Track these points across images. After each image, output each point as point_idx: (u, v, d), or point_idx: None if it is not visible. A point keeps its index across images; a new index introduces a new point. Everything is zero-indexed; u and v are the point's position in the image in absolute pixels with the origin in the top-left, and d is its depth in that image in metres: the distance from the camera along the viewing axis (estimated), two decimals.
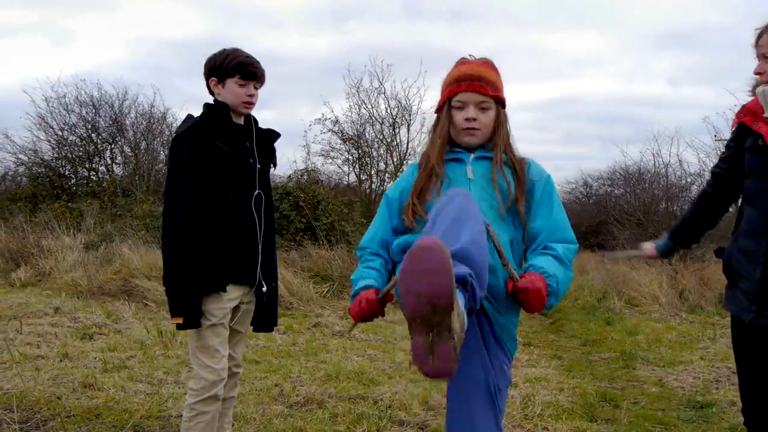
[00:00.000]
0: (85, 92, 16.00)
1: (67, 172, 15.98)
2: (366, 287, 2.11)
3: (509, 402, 4.33)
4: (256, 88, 2.98)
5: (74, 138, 16.00)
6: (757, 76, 2.48)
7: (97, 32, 26.65)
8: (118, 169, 16.21)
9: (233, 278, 2.92)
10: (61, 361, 5.23)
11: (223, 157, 2.88)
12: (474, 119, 2.16)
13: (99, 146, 16.02)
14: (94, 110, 15.96)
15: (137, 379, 4.76)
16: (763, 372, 2.49)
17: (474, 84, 2.14)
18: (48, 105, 15.77)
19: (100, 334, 6.34)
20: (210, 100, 2.99)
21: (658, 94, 25.10)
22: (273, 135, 3.18)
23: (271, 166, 3.20)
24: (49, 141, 15.92)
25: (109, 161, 16.27)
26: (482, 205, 2.07)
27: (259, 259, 3.02)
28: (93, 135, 15.95)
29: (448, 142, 2.23)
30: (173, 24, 27.16)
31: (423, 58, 24.38)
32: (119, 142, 16.14)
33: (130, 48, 26.52)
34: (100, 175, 15.98)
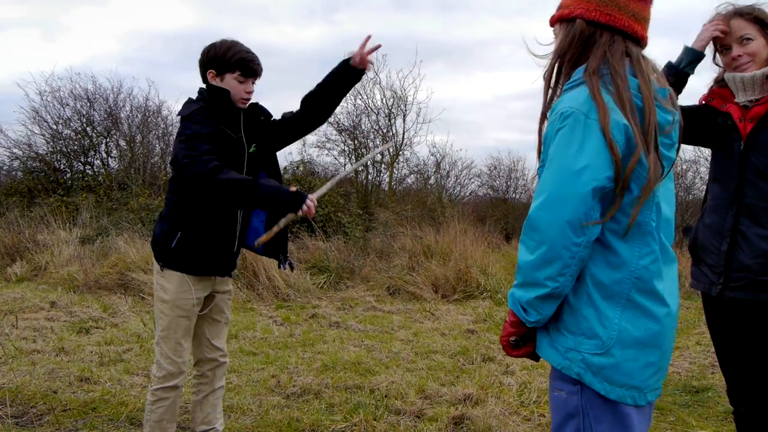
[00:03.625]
0: (80, 86, 15.87)
1: (62, 166, 15.88)
2: None
3: (505, 389, 4.33)
4: (253, 84, 2.97)
5: (69, 132, 15.90)
6: (730, 61, 2.54)
7: (87, 26, 26.40)
8: (113, 163, 16.11)
9: (206, 270, 2.97)
10: (57, 355, 5.22)
11: (228, 144, 2.89)
12: None
13: (94, 140, 15.93)
14: (88, 104, 15.86)
15: (133, 372, 4.75)
16: (737, 345, 2.53)
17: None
18: (42, 99, 15.65)
19: (97, 327, 6.33)
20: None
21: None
22: (256, 111, 3.11)
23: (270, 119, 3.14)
24: (43, 135, 15.82)
25: (104, 155, 16.18)
26: None
27: (235, 248, 3.05)
28: (88, 128, 15.86)
29: None
30: (164, 17, 26.95)
31: (413, 49, 24.24)
32: (114, 136, 16.05)
33: (120, 41, 26.33)
34: (96, 169, 15.90)
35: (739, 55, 2.46)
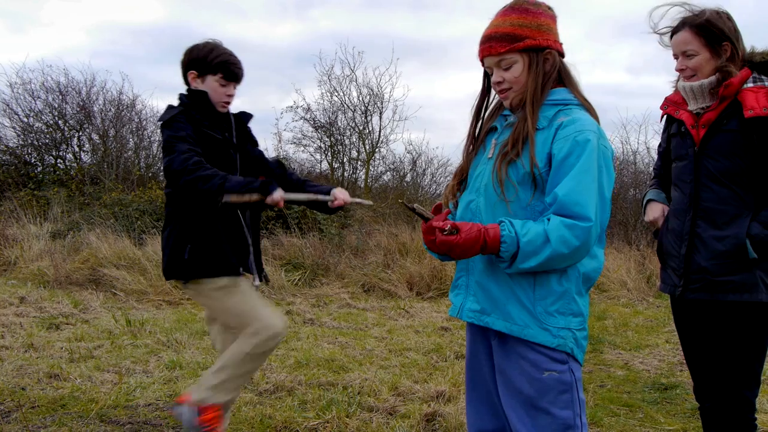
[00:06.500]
0: (52, 78, 15.64)
1: (33, 160, 15.63)
2: None
3: None
4: (234, 88, 2.94)
5: (40, 125, 15.65)
6: (678, 73, 2.62)
7: (56, 18, 25.95)
8: (86, 157, 15.89)
9: (230, 269, 2.90)
10: (26, 351, 5.14)
11: (213, 145, 2.83)
12: (499, 82, 2.01)
13: (66, 133, 15.70)
14: (60, 96, 15.62)
15: (104, 369, 4.70)
16: (701, 343, 2.60)
17: (484, 48, 2.01)
18: (12, 91, 15.40)
19: (67, 323, 6.25)
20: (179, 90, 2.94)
21: (619, 83, 25.34)
22: (245, 117, 3.11)
23: (255, 147, 3.13)
24: (14, 128, 15.55)
25: (76, 149, 15.95)
26: (490, 186, 1.99)
27: (251, 250, 3.00)
28: (60, 122, 15.62)
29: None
30: (134, 10, 26.55)
31: (387, 47, 24.30)
32: (87, 129, 15.82)
33: (90, 34, 25.89)
34: (68, 163, 15.67)
35: (683, 69, 2.54)
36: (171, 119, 2.77)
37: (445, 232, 1.92)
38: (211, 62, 2.83)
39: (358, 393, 4.19)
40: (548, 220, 1.85)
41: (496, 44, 1.98)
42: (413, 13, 25.89)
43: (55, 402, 3.96)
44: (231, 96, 2.92)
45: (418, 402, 4.04)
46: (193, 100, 2.87)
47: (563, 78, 2.02)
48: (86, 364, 4.82)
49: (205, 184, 2.61)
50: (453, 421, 3.63)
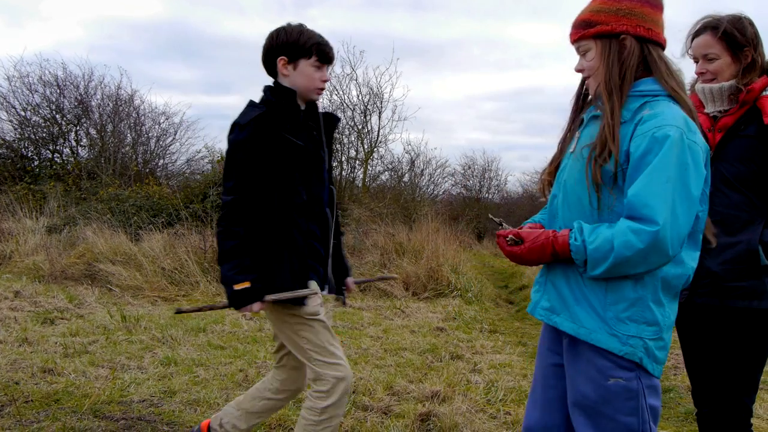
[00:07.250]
0: (49, 72, 15.68)
1: (30, 154, 15.64)
2: None
3: (472, 387, 4.36)
4: (327, 71, 2.69)
5: (38, 119, 15.66)
6: (696, 75, 2.60)
7: (54, 12, 25.98)
8: (83, 152, 15.92)
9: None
10: (20, 345, 5.13)
11: (295, 153, 2.58)
12: (580, 70, 1.98)
13: (63, 127, 15.70)
14: (58, 90, 15.63)
15: (99, 365, 4.69)
16: (704, 348, 2.59)
17: (569, 35, 1.97)
18: (10, 84, 15.41)
19: (62, 318, 6.23)
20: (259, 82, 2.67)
21: None
22: (334, 120, 2.85)
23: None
24: (11, 121, 15.57)
25: (73, 143, 15.97)
26: (573, 185, 1.92)
27: (329, 261, 2.83)
28: (57, 116, 15.63)
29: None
30: (131, 5, 26.58)
31: (385, 47, 24.35)
32: (85, 124, 15.84)
33: (88, 29, 25.90)
34: (65, 158, 15.67)
35: (703, 72, 2.53)
36: (249, 122, 2.50)
37: (509, 241, 1.93)
38: (303, 45, 2.57)
39: (353, 392, 4.19)
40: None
41: (573, 31, 1.95)
42: (412, 13, 25.96)
43: (48, 397, 3.95)
44: (326, 81, 2.67)
45: (412, 402, 4.04)
46: (279, 98, 2.60)
47: (650, 66, 1.89)
48: (80, 359, 4.81)
49: (220, 249, 2.54)
50: (447, 421, 3.63)
